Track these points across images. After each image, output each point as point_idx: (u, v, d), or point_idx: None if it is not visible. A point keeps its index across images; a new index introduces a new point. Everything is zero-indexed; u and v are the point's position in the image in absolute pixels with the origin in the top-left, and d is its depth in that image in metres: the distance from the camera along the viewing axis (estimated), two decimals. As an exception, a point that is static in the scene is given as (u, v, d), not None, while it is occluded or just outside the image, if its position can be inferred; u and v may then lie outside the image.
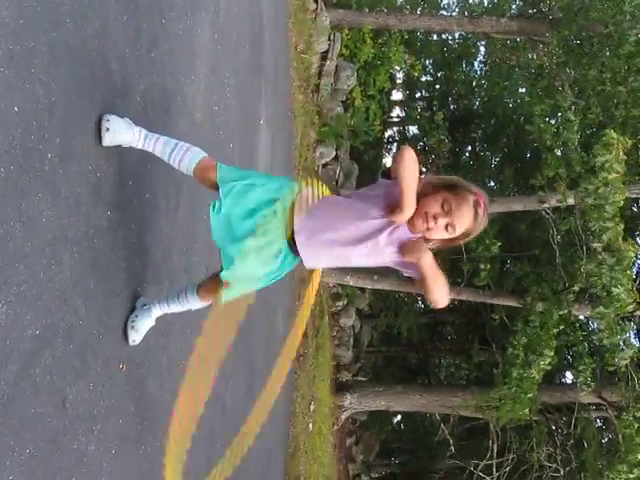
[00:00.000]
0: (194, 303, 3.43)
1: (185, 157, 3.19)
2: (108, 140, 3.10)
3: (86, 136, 2.98)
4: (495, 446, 15.80)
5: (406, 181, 2.78)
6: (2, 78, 2.32)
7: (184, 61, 4.51)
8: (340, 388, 14.83)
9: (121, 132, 3.15)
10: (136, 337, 3.38)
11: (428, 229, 2.87)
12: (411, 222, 2.90)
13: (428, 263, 2.87)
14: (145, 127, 3.62)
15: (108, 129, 3.09)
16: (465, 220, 2.85)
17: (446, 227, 2.86)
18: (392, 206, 2.86)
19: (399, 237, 2.94)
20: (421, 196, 2.87)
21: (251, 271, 3.07)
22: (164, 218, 3.99)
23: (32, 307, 2.47)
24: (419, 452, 22.26)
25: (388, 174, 2.97)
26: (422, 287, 2.96)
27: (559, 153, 12.82)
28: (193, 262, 4.47)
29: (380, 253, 2.99)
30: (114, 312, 3.25)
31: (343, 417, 15.40)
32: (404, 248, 2.92)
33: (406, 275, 3.11)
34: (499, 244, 13.36)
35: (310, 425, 11.84)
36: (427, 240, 2.93)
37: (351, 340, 17.90)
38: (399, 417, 24.31)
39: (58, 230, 2.68)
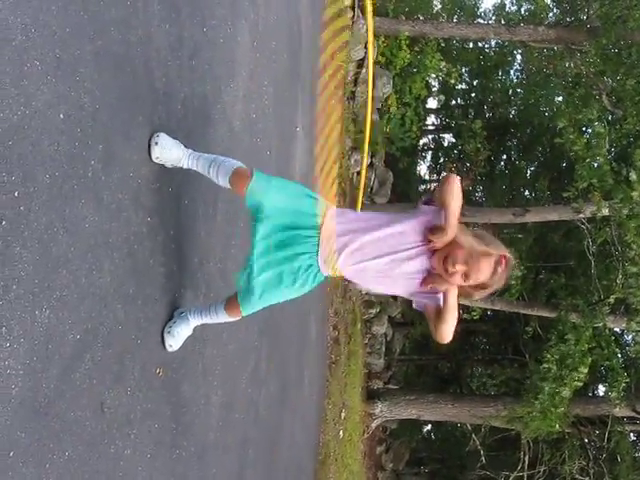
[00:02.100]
0: (222, 317, 3.45)
1: (221, 169, 3.24)
2: (157, 153, 3.22)
3: (128, 143, 3.02)
4: (526, 458, 15.63)
5: (452, 207, 2.85)
6: (49, 86, 2.36)
7: (224, 69, 4.55)
8: (371, 396, 14.78)
9: (170, 148, 3.26)
10: (173, 342, 3.40)
11: (446, 271, 2.92)
12: (434, 257, 2.98)
13: (454, 294, 2.95)
14: (185, 134, 3.66)
15: (157, 143, 3.22)
16: (482, 274, 2.91)
17: (462, 275, 2.92)
18: (434, 227, 2.94)
19: (426, 267, 3.01)
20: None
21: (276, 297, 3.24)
22: (202, 225, 4.02)
23: (73, 312, 2.51)
24: (449, 462, 22.09)
25: (429, 201, 3.05)
26: (435, 318, 3.03)
27: (594, 164, 12.67)
28: (229, 269, 4.49)
29: (399, 278, 3.06)
30: (152, 318, 3.28)
31: (374, 425, 15.34)
32: (435, 276, 2.98)
33: (417, 306, 3.17)
34: (530, 264, 13.25)
35: (341, 432, 11.80)
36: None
37: (383, 348, 17.82)
38: (430, 426, 24.15)
39: (100, 236, 2.72)
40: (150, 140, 3.21)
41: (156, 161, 3.25)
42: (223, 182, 3.24)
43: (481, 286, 2.97)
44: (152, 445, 3.27)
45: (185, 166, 3.35)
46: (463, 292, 3.01)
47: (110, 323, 2.81)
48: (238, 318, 3.44)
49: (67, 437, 2.48)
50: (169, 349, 3.40)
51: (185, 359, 3.69)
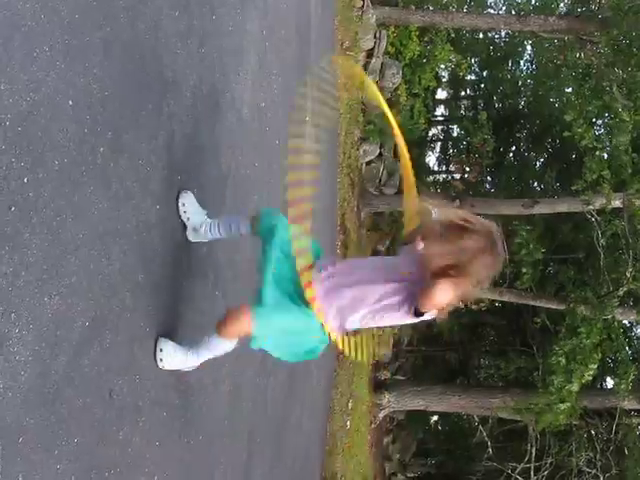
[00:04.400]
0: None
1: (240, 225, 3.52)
2: (191, 236, 3.55)
3: (137, 131, 3.01)
4: (534, 449, 15.61)
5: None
6: (59, 72, 2.35)
7: (233, 57, 4.53)
8: (379, 387, 14.77)
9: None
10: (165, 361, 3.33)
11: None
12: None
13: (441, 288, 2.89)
14: (194, 122, 3.65)
15: (189, 219, 3.51)
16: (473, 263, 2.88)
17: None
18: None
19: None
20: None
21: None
22: (210, 213, 4.01)
23: (82, 299, 2.51)
24: (456, 453, 22.07)
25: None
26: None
27: (604, 155, 12.59)
28: (236, 259, 4.49)
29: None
30: (161, 306, 3.27)
31: (381, 416, 15.34)
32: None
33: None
34: (543, 250, 13.18)
35: (348, 423, 11.82)
36: None
37: (391, 339, 17.81)
38: (437, 417, 24.15)
39: (108, 223, 2.71)
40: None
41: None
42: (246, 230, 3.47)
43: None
44: (161, 433, 3.28)
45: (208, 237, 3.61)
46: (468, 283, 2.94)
47: (119, 310, 2.81)
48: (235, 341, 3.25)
49: (76, 424, 2.48)
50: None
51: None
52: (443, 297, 2.88)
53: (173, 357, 3.22)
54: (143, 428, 3.07)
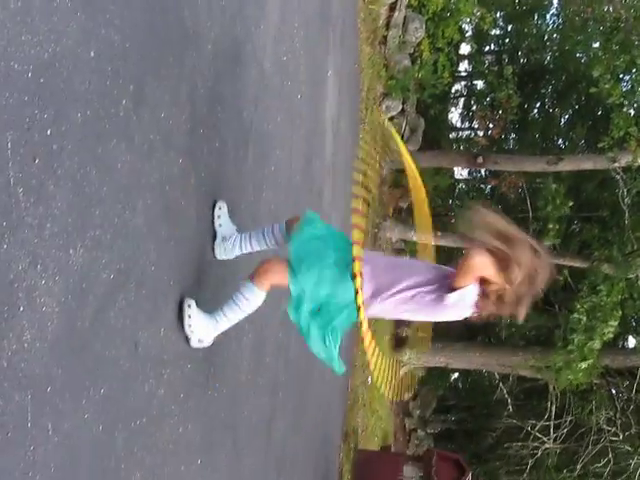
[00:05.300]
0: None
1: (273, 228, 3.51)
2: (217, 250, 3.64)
3: (159, 83, 2.98)
4: (553, 407, 15.67)
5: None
6: (79, 23, 2.32)
7: (254, 10, 4.47)
8: (400, 344, 14.85)
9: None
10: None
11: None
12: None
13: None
14: (215, 75, 3.61)
15: (221, 225, 3.63)
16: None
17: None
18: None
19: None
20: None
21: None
22: (233, 167, 4.00)
23: (107, 251, 2.52)
24: (476, 410, 22.21)
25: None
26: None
27: (631, 112, 12.36)
28: (260, 212, 4.48)
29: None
30: (185, 260, 3.28)
31: (402, 372, 15.45)
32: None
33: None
34: (571, 204, 13.05)
35: (369, 379, 11.91)
36: None
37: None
38: (457, 374, 24.28)
39: (132, 176, 2.71)
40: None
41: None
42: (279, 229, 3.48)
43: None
44: (185, 385, 3.31)
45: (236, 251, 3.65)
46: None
47: (143, 264, 2.82)
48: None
49: (102, 375, 2.51)
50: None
51: (218, 302, 3.70)
52: (478, 262, 2.86)
53: (201, 325, 3.27)
54: (168, 380, 3.10)
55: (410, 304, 3.07)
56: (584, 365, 12.52)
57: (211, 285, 3.60)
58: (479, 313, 3.05)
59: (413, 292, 3.04)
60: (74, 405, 2.32)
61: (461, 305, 3.00)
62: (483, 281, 2.93)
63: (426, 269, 3.19)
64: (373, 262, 3.12)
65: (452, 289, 2.95)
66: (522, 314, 3.01)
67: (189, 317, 3.20)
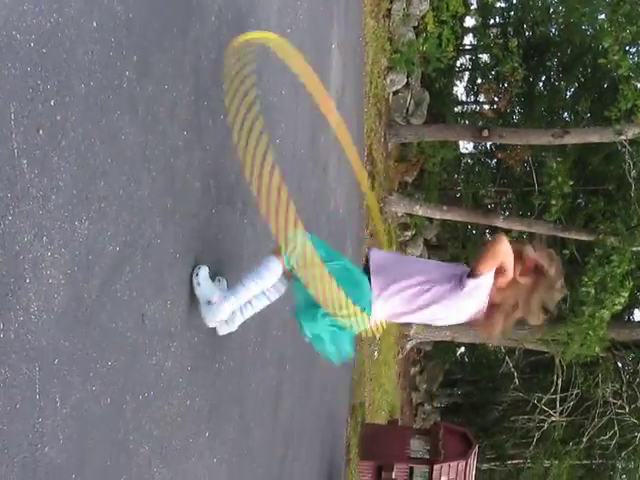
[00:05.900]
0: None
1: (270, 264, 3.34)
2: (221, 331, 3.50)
3: (162, 54, 2.96)
4: (560, 381, 15.73)
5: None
6: (81, -9, 2.30)
7: (258, -20, 4.42)
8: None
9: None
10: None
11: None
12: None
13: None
14: (218, 47, 3.57)
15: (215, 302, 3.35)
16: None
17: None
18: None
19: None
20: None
21: None
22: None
23: (112, 223, 2.51)
24: (482, 384, 22.34)
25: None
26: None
27: (638, 84, 12.25)
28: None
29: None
30: (190, 233, 3.27)
31: (408, 346, 15.51)
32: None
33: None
34: (572, 183, 13.02)
35: (375, 353, 11.96)
36: None
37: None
38: (463, 349, 24.36)
39: (136, 148, 2.69)
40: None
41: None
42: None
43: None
44: (192, 358, 3.32)
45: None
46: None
47: (149, 236, 2.81)
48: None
49: (109, 347, 2.51)
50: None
51: (225, 275, 3.70)
52: (506, 247, 2.98)
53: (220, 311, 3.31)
54: (175, 353, 3.11)
55: (426, 295, 3.16)
56: (594, 336, 12.55)
57: (216, 257, 3.60)
58: (491, 304, 3.15)
59: (428, 286, 3.16)
60: (82, 377, 2.33)
61: (477, 294, 3.10)
62: (496, 273, 3.06)
63: (436, 266, 3.37)
64: (385, 258, 3.33)
65: (471, 275, 3.07)
66: (535, 315, 3.18)
67: (198, 285, 3.24)
